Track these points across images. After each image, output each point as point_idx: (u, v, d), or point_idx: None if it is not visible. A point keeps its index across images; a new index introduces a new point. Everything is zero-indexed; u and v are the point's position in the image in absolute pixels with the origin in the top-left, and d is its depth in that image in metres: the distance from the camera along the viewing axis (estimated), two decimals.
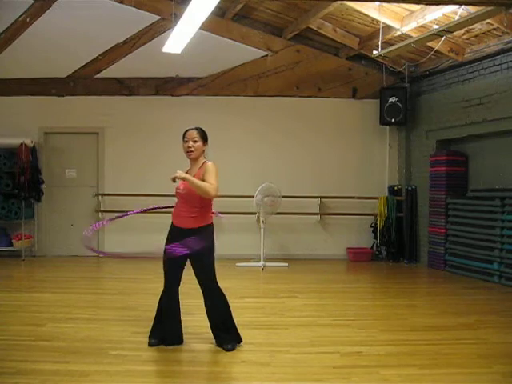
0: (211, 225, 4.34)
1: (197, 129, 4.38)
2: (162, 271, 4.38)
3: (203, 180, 4.15)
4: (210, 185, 4.11)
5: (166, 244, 4.29)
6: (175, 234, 4.27)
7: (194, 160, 4.36)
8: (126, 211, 9.01)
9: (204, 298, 4.38)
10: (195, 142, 4.31)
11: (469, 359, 4.13)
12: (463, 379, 3.74)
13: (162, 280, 4.39)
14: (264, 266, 8.46)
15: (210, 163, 4.29)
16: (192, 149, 4.30)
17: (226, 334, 4.35)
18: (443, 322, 5.28)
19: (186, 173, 4.31)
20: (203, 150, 4.37)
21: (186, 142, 4.33)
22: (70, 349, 4.24)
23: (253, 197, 8.59)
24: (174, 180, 4.11)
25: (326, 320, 5.34)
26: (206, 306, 4.39)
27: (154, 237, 8.85)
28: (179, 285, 4.38)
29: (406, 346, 4.43)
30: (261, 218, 8.69)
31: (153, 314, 4.47)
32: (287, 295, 6.53)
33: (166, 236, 4.41)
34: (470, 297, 6.64)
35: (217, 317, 4.37)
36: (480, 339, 4.67)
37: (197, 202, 4.22)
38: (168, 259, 4.28)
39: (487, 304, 6.24)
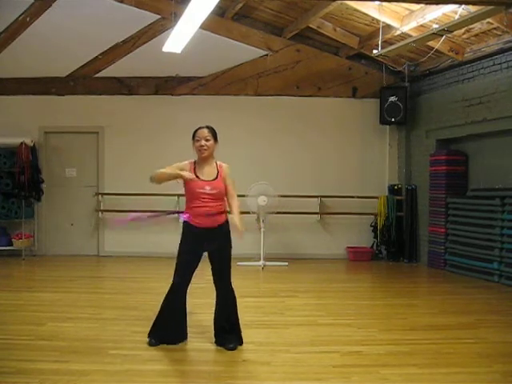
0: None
1: (208, 127, 4.37)
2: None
3: (226, 185, 4.33)
4: (237, 199, 4.40)
5: (192, 247, 4.29)
6: (206, 235, 4.26)
7: (205, 158, 4.34)
8: (126, 211, 9.15)
9: (216, 295, 4.38)
10: (207, 140, 4.31)
11: (469, 358, 4.13)
12: (463, 378, 3.74)
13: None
14: (264, 266, 8.46)
15: (226, 166, 4.42)
16: (205, 147, 4.30)
17: (229, 333, 4.34)
18: (443, 321, 5.28)
19: (194, 170, 4.31)
20: (214, 149, 4.38)
21: (198, 140, 4.32)
22: (69, 348, 4.23)
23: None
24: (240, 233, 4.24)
25: (326, 319, 5.34)
26: (216, 303, 4.39)
27: (153, 237, 8.97)
28: (189, 284, 4.36)
29: (406, 346, 4.43)
30: (260, 218, 8.68)
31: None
32: (287, 294, 6.53)
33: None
34: (470, 296, 6.63)
35: (225, 315, 4.37)
36: (480, 338, 4.67)
37: (223, 198, 4.35)
38: (185, 258, 4.27)
39: (487, 303, 6.24)
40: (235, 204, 4.35)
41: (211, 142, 4.33)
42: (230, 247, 4.36)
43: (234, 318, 4.38)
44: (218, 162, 4.41)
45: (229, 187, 4.35)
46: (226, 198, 4.39)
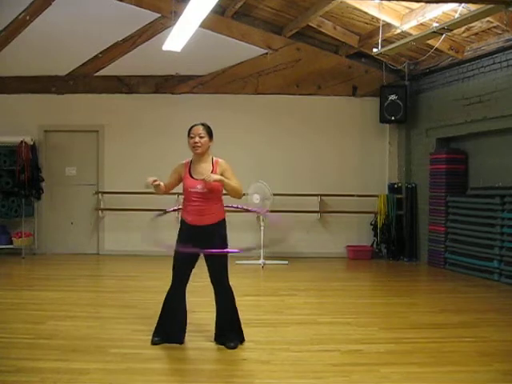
0: (225, 219, 4.39)
1: (203, 124, 4.37)
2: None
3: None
4: (240, 185, 4.29)
5: (183, 243, 4.27)
6: (195, 233, 4.24)
7: (200, 156, 4.34)
8: (126, 210, 9.18)
9: (215, 294, 4.37)
10: (201, 137, 4.30)
11: (469, 357, 4.13)
12: (463, 377, 3.74)
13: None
14: (264, 264, 8.47)
15: (223, 161, 4.36)
16: (199, 144, 4.29)
17: (230, 332, 4.34)
18: (443, 319, 5.28)
19: (189, 169, 4.33)
20: (209, 146, 4.37)
21: (192, 137, 4.31)
22: (70, 347, 4.24)
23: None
24: (206, 181, 4.11)
25: (326, 318, 5.34)
26: (216, 303, 4.38)
27: (153, 235, 8.94)
28: (187, 284, 4.37)
29: (406, 344, 4.44)
30: (261, 217, 8.69)
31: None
32: (287, 293, 6.53)
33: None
34: (470, 295, 6.64)
35: (225, 315, 4.37)
36: (480, 337, 4.68)
37: (217, 198, 4.30)
38: (180, 257, 4.28)
39: (487, 302, 6.25)
40: (231, 181, 4.26)
41: (205, 139, 4.32)
42: (226, 247, 4.33)
43: (234, 316, 4.38)
44: (215, 159, 4.38)
45: (225, 174, 4.28)
46: (221, 197, 4.34)
